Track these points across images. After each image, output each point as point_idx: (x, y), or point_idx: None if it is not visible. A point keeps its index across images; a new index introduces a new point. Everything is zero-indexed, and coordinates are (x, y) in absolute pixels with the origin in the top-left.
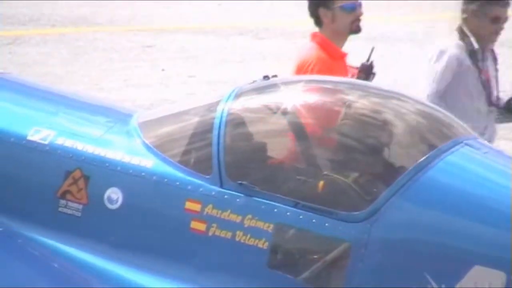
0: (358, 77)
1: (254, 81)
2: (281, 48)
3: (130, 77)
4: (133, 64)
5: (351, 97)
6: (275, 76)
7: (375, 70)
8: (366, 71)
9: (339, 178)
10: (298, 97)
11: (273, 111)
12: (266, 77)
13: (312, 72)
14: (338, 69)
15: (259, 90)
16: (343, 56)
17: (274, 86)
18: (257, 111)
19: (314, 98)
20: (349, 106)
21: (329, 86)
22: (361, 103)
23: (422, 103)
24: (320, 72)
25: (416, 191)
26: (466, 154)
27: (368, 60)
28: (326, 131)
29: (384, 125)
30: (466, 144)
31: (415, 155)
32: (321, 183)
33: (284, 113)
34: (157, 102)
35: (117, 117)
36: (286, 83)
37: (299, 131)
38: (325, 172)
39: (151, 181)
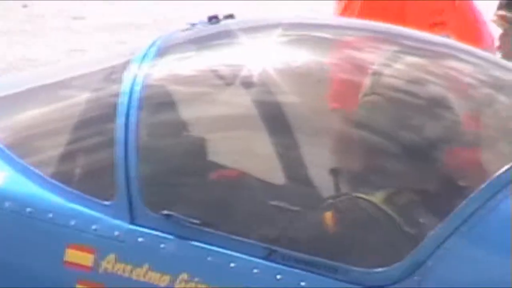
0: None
1: (191, 26)
2: None
3: None
4: None
5: (377, 55)
6: (230, 16)
7: None
8: None
9: (351, 204)
10: (273, 55)
11: (226, 81)
12: (213, 19)
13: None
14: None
15: (201, 42)
16: None
17: (227, 35)
18: (196, 82)
19: (305, 57)
20: (377, 73)
21: (334, 34)
22: (397, 68)
23: (507, 69)
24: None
25: (490, 228)
26: None
27: None
28: (328, 118)
29: (439, 109)
30: None
31: (491, 164)
32: (317, 213)
33: (247, 84)
34: (16, 61)
35: None
36: (250, 29)
37: (276, 117)
38: (325, 193)
39: (0, 210)
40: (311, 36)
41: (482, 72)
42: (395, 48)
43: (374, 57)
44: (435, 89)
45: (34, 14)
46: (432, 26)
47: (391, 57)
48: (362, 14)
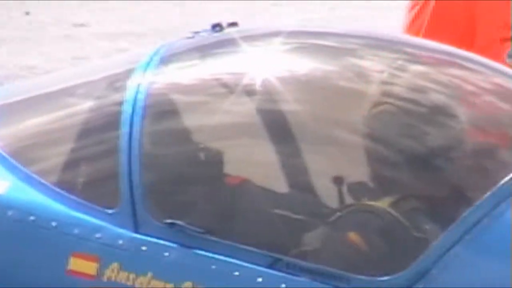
0: None
1: (195, 34)
2: None
3: None
4: None
5: (382, 64)
6: (233, 24)
7: None
8: None
9: (359, 209)
10: (276, 63)
11: (229, 89)
12: (217, 27)
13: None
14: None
15: (204, 50)
16: None
17: (231, 43)
18: (200, 90)
19: (310, 65)
20: (385, 82)
21: (337, 41)
22: (403, 77)
23: (508, 76)
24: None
25: (493, 238)
26: None
27: None
28: (336, 126)
29: (444, 117)
30: None
31: (495, 172)
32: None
33: (251, 92)
34: (18, 69)
35: None
36: (254, 37)
37: (280, 125)
38: (329, 201)
39: (3, 219)
40: (314, 44)
41: (486, 80)
42: (400, 56)
43: (379, 65)
44: (440, 97)
45: (35, 22)
46: (502, 42)
47: (396, 66)
48: (431, 25)
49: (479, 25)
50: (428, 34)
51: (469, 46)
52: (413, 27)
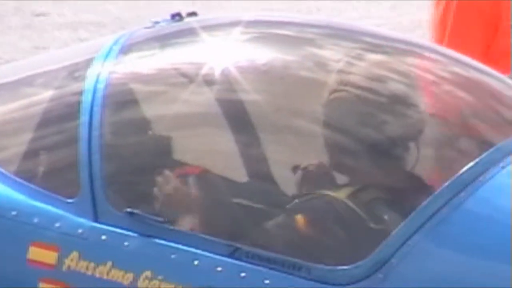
0: None
1: (154, 23)
2: None
3: None
4: None
5: (341, 53)
6: (192, 14)
7: None
8: None
9: (317, 199)
10: (235, 53)
11: (189, 79)
12: (176, 17)
13: None
14: None
15: (163, 40)
16: None
17: (190, 33)
18: (160, 80)
19: (269, 54)
20: (341, 71)
21: (296, 31)
22: (362, 66)
23: (469, 65)
24: None
25: (452, 227)
26: None
27: None
28: (295, 115)
29: (403, 106)
30: None
31: (455, 161)
32: (281, 208)
33: (210, 82)
34: None
35: None
36: (213, 27)
37: (239, 115)
38: (289, 190)
39: None
40: (273, 34)
41: (445, 69)
42: (358, 45)
43: (338, 54)
44: (398, 86)
45: None
46: None
47: (354, 54)
48: (457, 16)
49: (505, 19)
50: (454, 31)
51: (493, 42)
52: (440, 24)
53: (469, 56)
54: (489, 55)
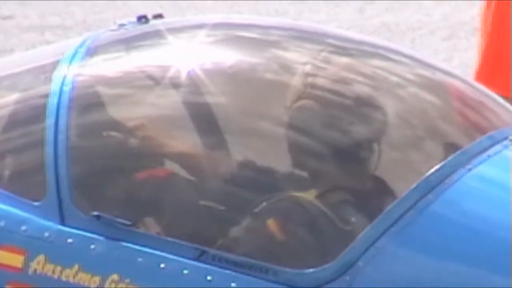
0: None
1: (120, 26)
2: None
3: None
4: None
5: (306, 56)
6: (159, 16)
7: None
8: None
9: (285, 200)
10: (202, 55)
11: (155, 81)
12: (142, 19)
13: None
14: None
15: (129, 42)
16: None
17: (156, 35)
18: (126, 82)
19: (235, 57)
20: (309, 74)
21: (261, 34)
22: (327, 68)
23: (434, 67)
24: None
25: (419, 230)
26: (510, 159)
27: None
28: (262, 118)
29: (369, 109)
30: None
31: (421, 163)
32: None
33: (176, 85)
34: None
35: None
36: (179, 29)
37: (205, 117)
38: (256, 194)
39: None
40: (239, 36)
41: (409, 71)
42: (324, 48)
43: (303, 57)
44: (364, 89)
45: None
46: None
47: (319, 57)
48: (496, 15)
49: None
50: (495, 32)
51: None
52: (488, 25)
53: None
54: None
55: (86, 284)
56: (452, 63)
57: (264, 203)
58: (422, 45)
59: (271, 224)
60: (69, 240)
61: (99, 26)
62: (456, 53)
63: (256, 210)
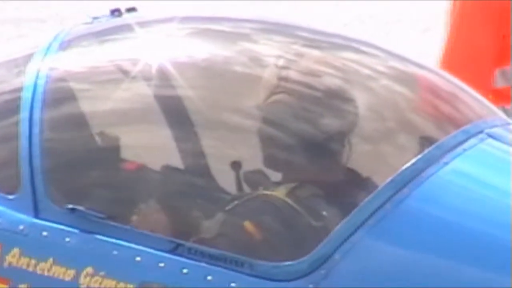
0: None
1: (93, 19)
2: None
3: None
4: None
5: (277, 49)
6: (132, 9)
7: None
8: None
9: (256, 199)
10: (174, 49)
11: (128, 75)
12: (115, 12)
13: None
14: None
15: (103, 35)
16: None
17: (129, 28)
18: (98, 76)
19: (206, 50)
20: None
21: (232, 27)
22: (298, 61)
23: (406, 60)
24: None
25: (395, 223)
26: (486, 153)
27: None
28: (232, 112)
29: (343, 102)
30: (489, 136)
31: (395, 157)
32: (221, 208)
33: (148, 78)
34: None
35: None
36: (152, 22)
37: (176, 110)
38: (228, 187)
39: None
40: (210, 29)
41: (381, 64)
42: (295, 40)
43: (274, 50)
44: (335, 82)
45: None
46: None
47: (290, 50)
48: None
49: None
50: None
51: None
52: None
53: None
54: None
55: (60, 277)
56: (428, 57)
57: (236, 202)
58: (398, 39)
59: (247, 225)
60: (44, 233)
61: (75, 19)
62: (432, 46)
63: (228, 207)
